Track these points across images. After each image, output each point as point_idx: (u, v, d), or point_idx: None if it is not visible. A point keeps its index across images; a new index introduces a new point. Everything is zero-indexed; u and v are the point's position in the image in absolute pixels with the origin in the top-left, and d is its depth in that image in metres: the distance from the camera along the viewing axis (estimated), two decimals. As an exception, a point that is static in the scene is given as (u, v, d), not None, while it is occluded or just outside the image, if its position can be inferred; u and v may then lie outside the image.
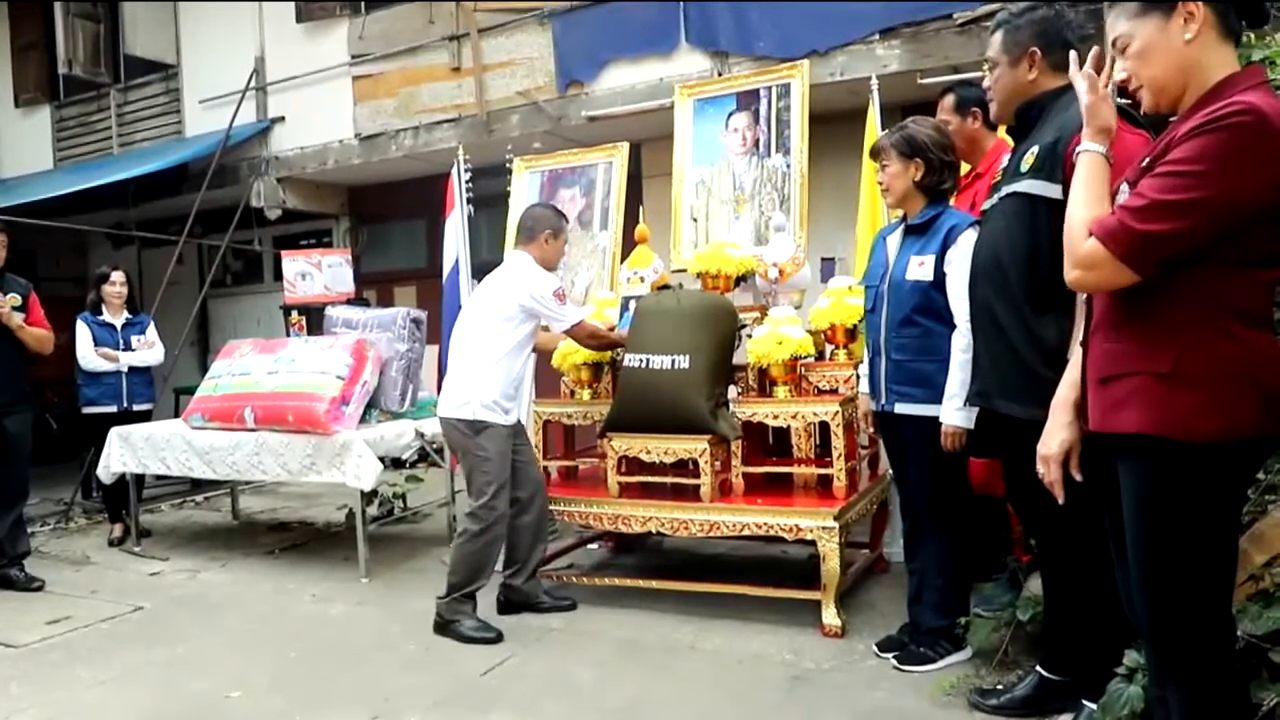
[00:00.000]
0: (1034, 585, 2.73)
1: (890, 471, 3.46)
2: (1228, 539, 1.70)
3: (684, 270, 4.17)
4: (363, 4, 7.87)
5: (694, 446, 3.47)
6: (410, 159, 7.78)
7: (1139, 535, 1.71)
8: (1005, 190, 2.33)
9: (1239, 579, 2.12)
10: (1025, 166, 2.26)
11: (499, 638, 3.39)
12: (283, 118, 8.35)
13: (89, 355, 5.43)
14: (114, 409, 5.47)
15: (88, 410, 5.52)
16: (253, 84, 8.36)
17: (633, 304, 3.87)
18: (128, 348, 5.57)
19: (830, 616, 3.28)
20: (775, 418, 3.56)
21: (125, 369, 5.52)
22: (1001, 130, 3.12)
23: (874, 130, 4.24)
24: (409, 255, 9.09)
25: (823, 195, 4.78)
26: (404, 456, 4.88)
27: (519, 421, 3.69)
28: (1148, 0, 1.69)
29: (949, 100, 3.37)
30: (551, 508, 3.77)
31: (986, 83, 2.48)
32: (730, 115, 4.40)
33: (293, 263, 7.73)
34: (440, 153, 7.16)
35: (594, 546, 4.58)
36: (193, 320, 8.32)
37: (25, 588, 4.39)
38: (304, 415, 4.44)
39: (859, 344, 3.49)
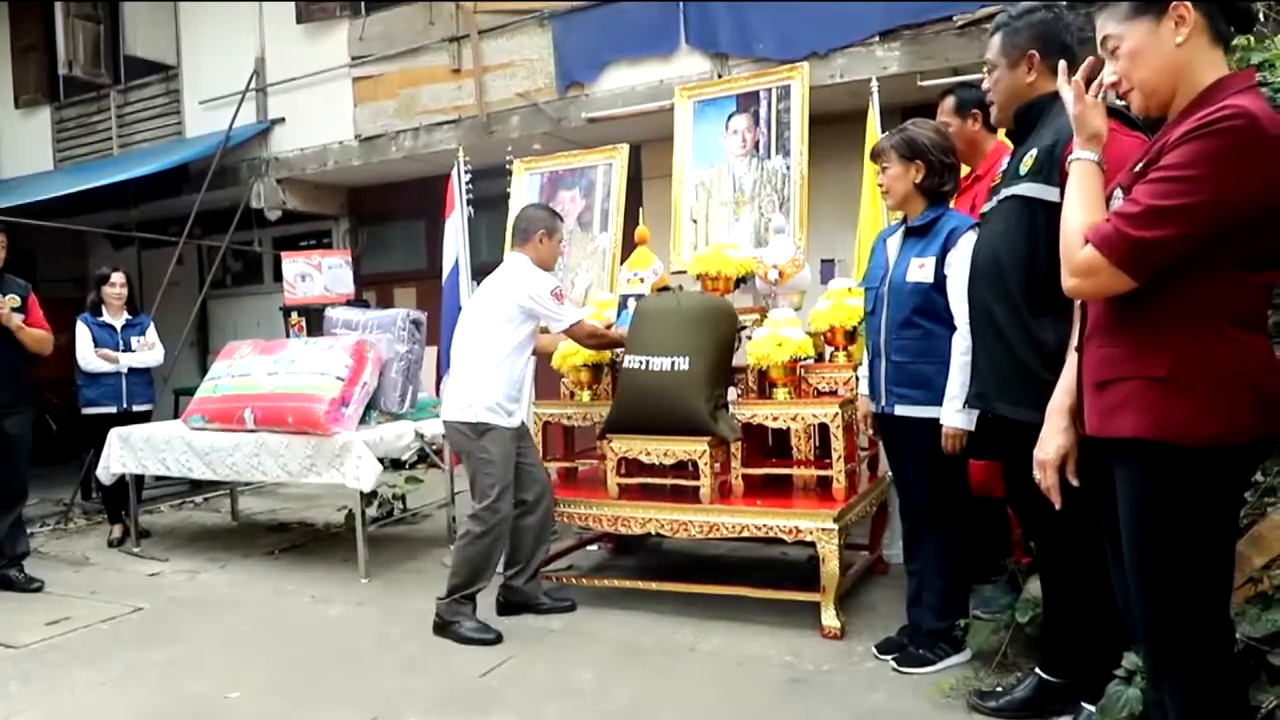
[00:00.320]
0: (1033, 587, 2.73)
1: (890, 473, 3.46)
2: (1224, 542, 1.71)
3: (684, 272, 4.17)
4: (363, 5, 7.88)
5: (693, 448, 3.47)
6: (410, 160, 7.78)
7: (1136, 539, 1.71)
8: (1004, 193, 2.34)
9: (1238, 582, 2.13)
10: (1024, 169, 2.26)
11: (498, 639, 3.39)
12: (283, 119, 8.36)
13: (89, 356, 5.43)
14: (114, 410, 5.47)
15: (87, 411, 5.52)
16: (253, 85, 8.37)
17: (631, 302, 3.87)
18: (127, 349, 5.57)
19: (829, 618, 3.28)
20: (775, 419, 3.56)
21: (125, 370, 5.52)
22: (1001, 133, 3.12)
23: (874, 132, 4.25)
24: (409, 256, 9.10)
25: (822, 197, 4.78)
26: (403, 458, 4.88)
27: (524, 424, 3.69)
28: (1139, 3, 1.69)
29: (949, 102, 3.37)
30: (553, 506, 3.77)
31: (986, 85, 2.48)
32: (730, 117, 4.41)
33: (293, 264, 7.74)
34: (440, 154, 7.16)
35: (593, 548, 4.58)
36: (192, 321, 8.32)
37: (25, 588, 4.39)
38: (304, 416, 4.44)
39: (859, 346, 3.50)
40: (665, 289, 3.92)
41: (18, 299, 4.40)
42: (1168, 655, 1.73)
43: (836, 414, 3.40)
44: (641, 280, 4.02)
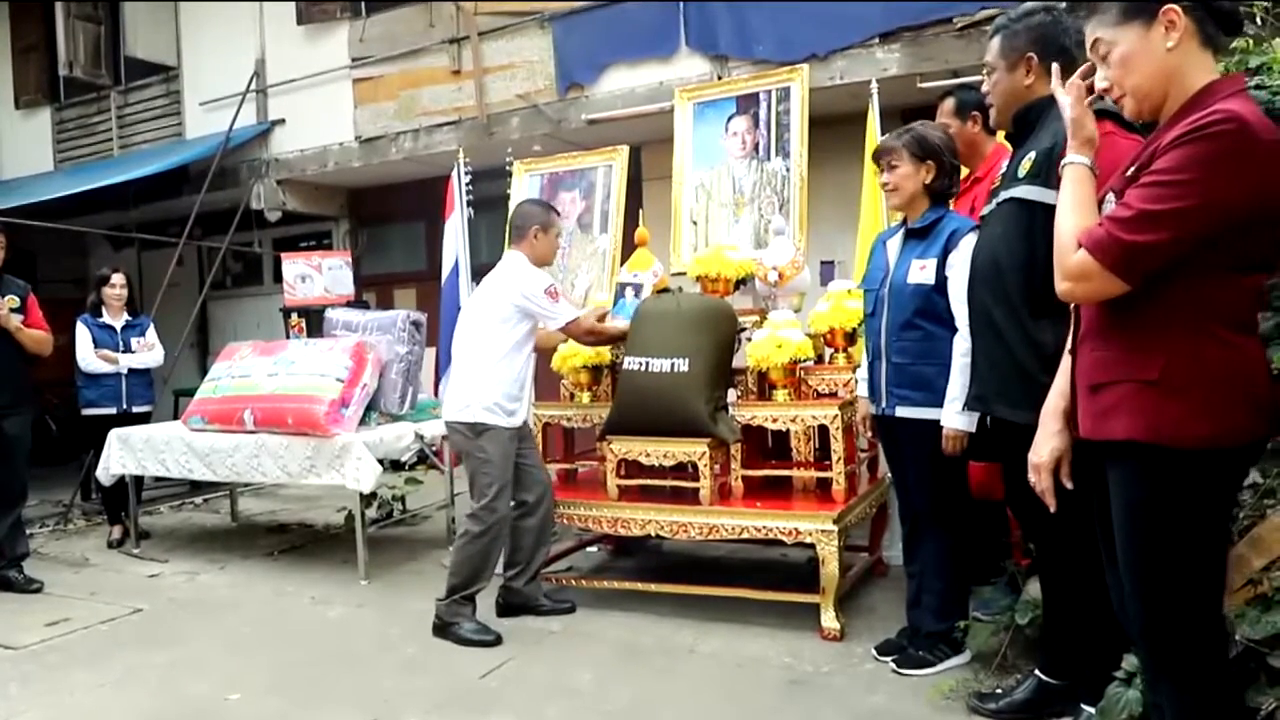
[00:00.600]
0: (1033, 589, 2.73)
1: (889, 475, 3.46)
2: (1218, 543, 1.72)
3: (683, 273, 4.17)
4: (363, 7, 7.89)
5: (693, 450, 3.47)
6: (410, 161, 7.79)
7: (1130, 541, 1.72)
8: (1003, 196, 2.34)
9: (1237, 584, 2.13)
10: (1022, 172, 2.27)
11: (498, 640, 3.39)
12: (283, 120, 8.36)
13: (88, 357, 5.43)
14: (113, 411, 5.47)
15: (87, 412, 5.52)
16: (253, 86, 8.37)
17: (629, 291, 3.86)
18: (127, 350, 5.57)
19: (829, 620, 3.28)
20: (774, 421, 3.56)
21: (125, 371, 5.52)
22: (1001, 135, 3.12)
23: (874, 134, 4.25)
24: (409, 258, 9.10)
25: (822, 199, 4.78)
26: (403, 459, 4.88)
27: (526, 424, 3.68)
28: (1130, 8, 1.70)
29: (949, 104, 3.37)
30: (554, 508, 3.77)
31: (985, 87, 2.48)
32: (730, 119, 4.41)
33: (293, 265, 7.75)
34: (440, 155, 7.16)
35: (593, 549, 4.58)
36: (192, 322, 8.32)
37: (24, 589, 4.39)
38: (303, 417, 4.44)
39: (858, 347, 3.50)
40: (665, 290, 3.92)
41: (17, 300, 4.41)
42: (1162, 656, 1.74)
43: (836, 416, 3.40)
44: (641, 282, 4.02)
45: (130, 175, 7.85)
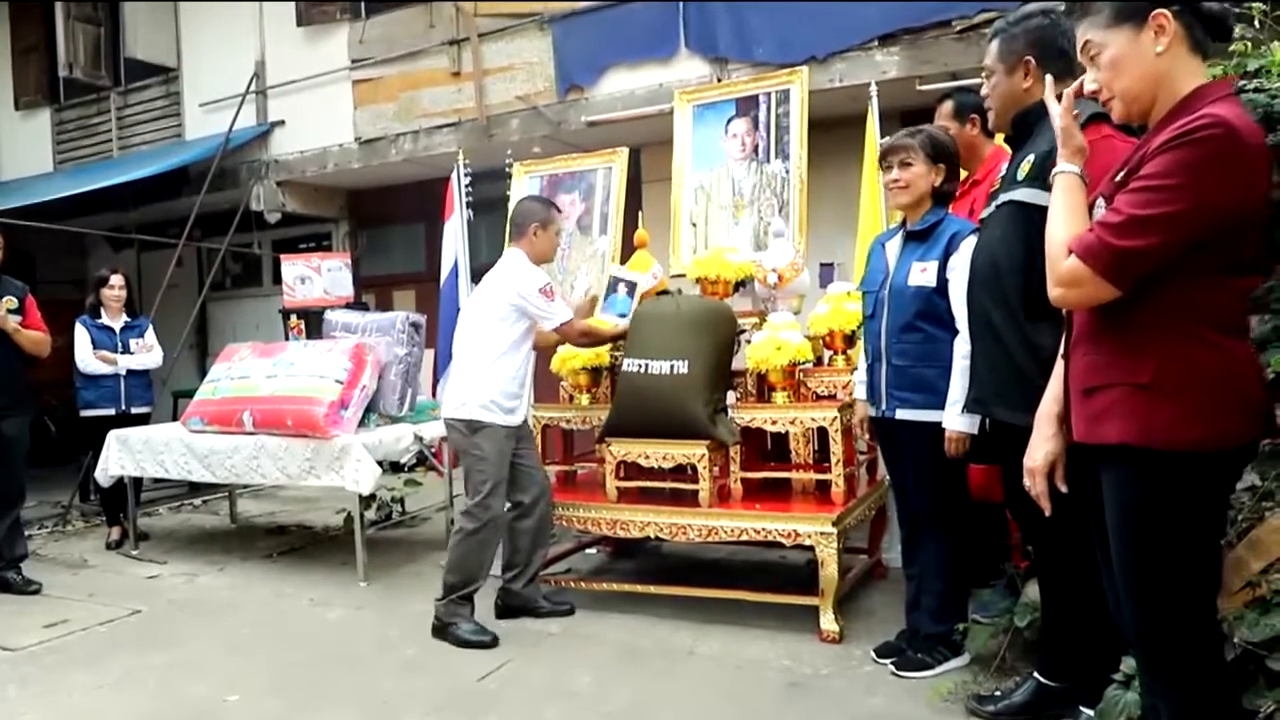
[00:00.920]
0: (1032, 591, 2.73)
1: (888, 477, 3.46)
2: (1212, 545, 1.73)
3: (683, 275, 4.18)
4: (363, 8, 7.89)
5: (692, 451, 3.47)
6: (410, 163, 7.79)
7: (1124, 544, 1.73)
8: (1002, 199, 2.35)
9: (1236, 586, 2.13)
10: (1021, 175, 2.27)
11: (495, 641, 3.39)
12: (283, 121, 8.37)
13: (87, 358, 5.43)
14: (112, 412, 5.47)
15: (86, 413, 5.51)
16: (253, 88, 8.38)
17: (621, 286, 3.85)
18: (126, 351, 5.57)
19: (828, 622, 3.28)
20: (774, 423, 3.56)
21: (124, 372, 5.52)
22: (1000, 137, 3.12)
23: (873, 136, 4.26)
24: (408, 259, 9.10)
25: (822, 201, 4.79)
26: (402, 460, 4.88)
27: (525, 424, 3.68)
28: (1121, 11, 1.71)
29: (947, 107, 3.38)
30: (552, 510, 3.77)
31: (984, 91, 2.49)
32: (729, 121, 4.41)
33: (292, 266, 7.76)
34: (440, 157, 7.17)
35: (592, 551, 4.59)
36: (192, 323, 8.32)
37: (23, 591, 4.38)
38: (303, 419, 4.44)
39: (858, 350, 3.50)
40: (665, 292, 3.93)
41: (15, 301, 4.40)
42: (1157, 658, 1.74)
43: (835, 418, 3.40)
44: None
45: (130, 176, 7.85)
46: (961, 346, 2.68)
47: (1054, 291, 1.75)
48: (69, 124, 9.81)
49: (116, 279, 5.65)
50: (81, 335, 5.47)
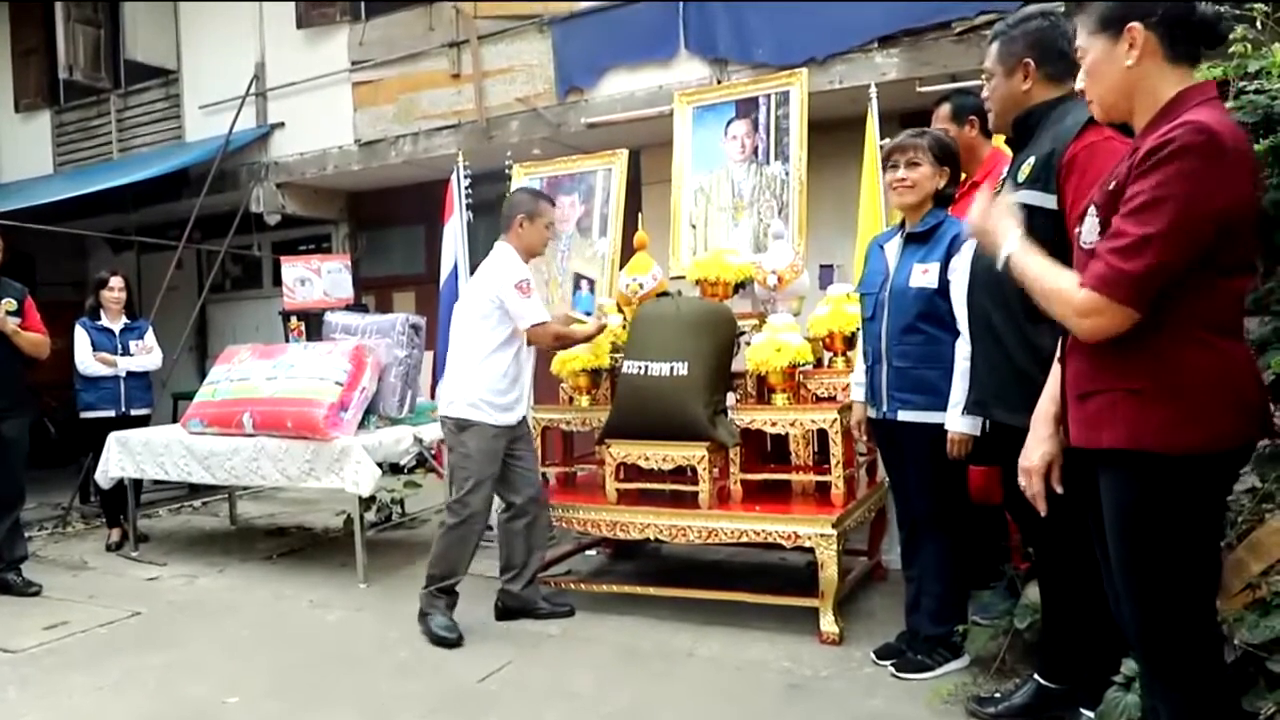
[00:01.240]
0: (1032, 593, 2.73)
1: (888, 478, 3.46)
2: (1209, 547, 1.73)
3: (683, 277, 4.18)
4: (363, 10, 7.90)
5: (692, 453, 3.47)
6: (410, 165, 7.79)
7: (1122, 546, 1.73)
8: (1003, 200, 2.34)
9: (1236, 588, 2.13)
10: (1022, 177, 2.27)
11: (459, 642, 3.41)
12: (283, 123, 8.37)
13: (87, 360, 5.43)
14: (112, 414, 5.46)
15: (86, 415, 5.51)
16: (253, 90, 8.38)
17: (584, 282, 3.83)
18: (126, 353, 5.56)
19: (828, 624, 3.28)
20: (774, 425, 3.56)
21: (123, 374, 5.52)
22: (998, 139, 3.13)
23: (873, 138, 4.26)
24: (408, 261, 9.10)
25: (821, 202, 4.79)
26: (402, 462, 4.89)
27: (522, 424, 3.67)
28: (1101, 20, 1.73)
29: (945, 110, 3.37)
30: (550, 513, 3.77)
31: (985, 93, 2.49)
32: (729, 122, 4.42)
33: (292, 268, 7.77)
34: (440, 158, 7.17)
35: (592, 552, 4.58)
36: (191, 325, 8.33)
37: (22, 592, 4.38)
38: (303, 421, 4.44)
39: (858, 351, 3.49)
40: (664, 294, 3.93)
41: (14, 302, 4.40)
42: (1157, 659, 1.74)
43: (835, 419, 3.40)
44: (640, 285, 4.02)
45: (130, 178, 7.85)
46: (963, 348, 2.67)
47: (1078, 326, 1.70)
48: (69, 126, 9.81)
49: (116, 281, 5.65)
50: (81, 337, 5.47)
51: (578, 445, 4.37)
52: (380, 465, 4.45)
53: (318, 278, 7.77)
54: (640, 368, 3.54)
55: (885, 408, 2.94)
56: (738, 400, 3.67)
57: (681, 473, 3.56)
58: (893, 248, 2.99)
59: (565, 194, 4.83)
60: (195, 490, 6.66)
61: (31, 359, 4.47)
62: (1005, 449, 2.36)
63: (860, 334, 3.16)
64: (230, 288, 10.21)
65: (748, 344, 3.65)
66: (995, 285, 2.33)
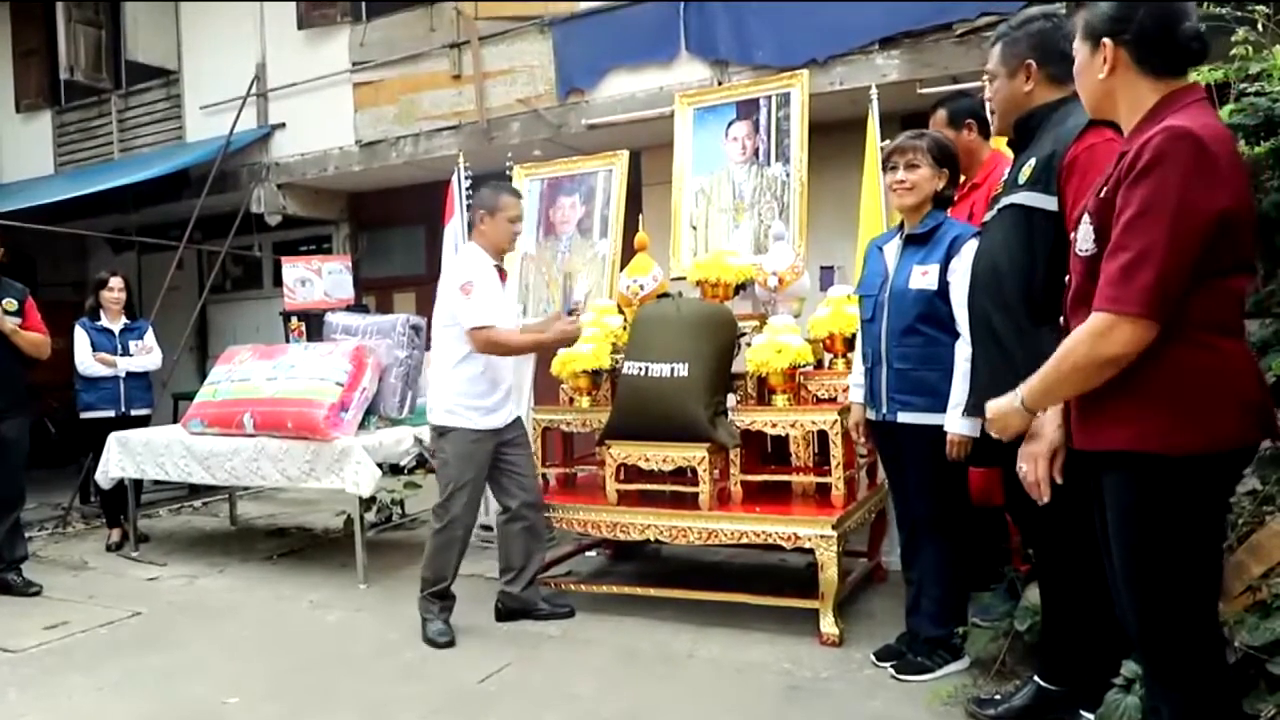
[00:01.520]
0: (1032, 595, 2.73)
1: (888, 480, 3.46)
2: (1212, 548, 1.73)
3: (683, 278, 4.18)
4: (364, 11, 7.90)
5: (692, 454, 3.47)
6: (410, 166, 7.79)
7: (1124, 548, 1.73)
8: (1004, 202, 2.35)
9: (1237, 590, 2.13)
10: (1023, 179, 2.27)
11: (450, 644, 3.42)
12: (283, 124, 8.37)
13: (87, 360, 5.44)
14: (112, 414, 5.47)
15: (86, 415, 5.52)
16: (254, 90, 8.38)
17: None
18: (126, 353, 5.57)
19: (828, 625, 3.28)
20: (774, 426, 3.56)
21: (123, 374, 5.53)
22: (999, 142, 3.13)
23: (874, 139, 4.25)
24: (408, 262, 9.10)
25: (822, 204, 4.79)
26: (402, 463, 4.88)
27: (514, 427, 3.66)
28: (1085, 29, 1.78)
29: (941, 115, 3.35)
30: (549, 515, 3.77)
31: (987, 95, 2.49)
32: (730, 124, 4.42)
33: (292, 269, 7.77)
34: (440, 159, 7.17)
35: (592, 554, 4.58)
36: (192, 325, 8.32)
37: (23, 593, 4.38)
38: (303, 421, 4.44)
39: (857, 353, 3.49)
40: (665, 295, 3.93)
41: (14, 303, 4.40)
42: (1158, 660, 1.74)
43: (835, 421, 3.40)
44: (641, 287, 4.02)
45: (130, 179, 7.86)
46: (963, 349, 2.67)
47: (1107, 348, 1.65)
48: (70, 126, 9.82)
49: (115, 281, 5.65)
50: (81, 337, 5.48)
51: (578, 446, 4.37)
52: (380, 466, 4.45)
53: (318, 278, 7.77)
54: (641, 369, 3.54)
55: (885, 409, 2.94)
56: (738, 401, 3.67)
57: (682, 474, 3.56)
58: (892, 249, 2.99)
59: (566, 195, 4.84)
60: (195, 490, 6.67)
61: (32, 359, 4.47)
62: (1005, 451, 2.36)
63: (859, 336, 3.15)
64: (231, 288, 10.21)
65: (748, 345, 3.65)
66: (996, 286, 2.34)
